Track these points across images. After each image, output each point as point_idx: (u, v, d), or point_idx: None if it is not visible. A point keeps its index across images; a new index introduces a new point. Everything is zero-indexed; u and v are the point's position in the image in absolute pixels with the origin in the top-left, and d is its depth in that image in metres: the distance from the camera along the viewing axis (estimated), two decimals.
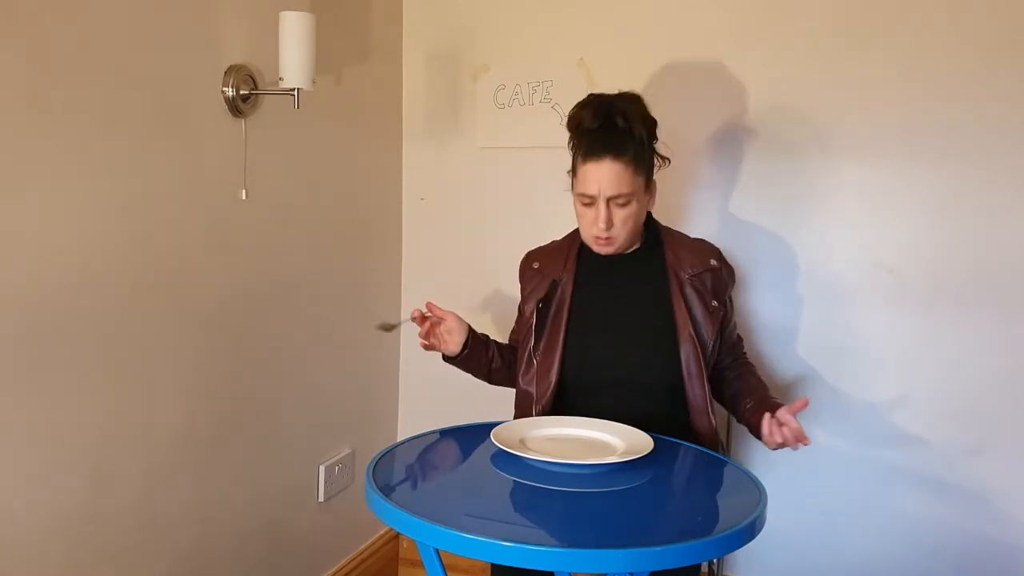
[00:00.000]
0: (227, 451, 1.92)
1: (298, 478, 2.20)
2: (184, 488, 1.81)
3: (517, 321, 1.94)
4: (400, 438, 2.15)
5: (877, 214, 2.09)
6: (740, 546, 1.27)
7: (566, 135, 1.76)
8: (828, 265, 2.14)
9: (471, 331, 1.82)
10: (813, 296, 2.16)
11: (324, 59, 1.97)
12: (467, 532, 1.19)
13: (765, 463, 2.21)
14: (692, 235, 1.89)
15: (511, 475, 1.45)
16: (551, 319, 1.80)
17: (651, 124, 1.72)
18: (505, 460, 1.48)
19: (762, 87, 2.16)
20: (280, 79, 1.81)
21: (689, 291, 1.77)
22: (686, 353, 1.73)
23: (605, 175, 1.64)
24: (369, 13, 2.35)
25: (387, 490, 1.34)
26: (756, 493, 1.39)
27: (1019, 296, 1.99)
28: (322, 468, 2.26)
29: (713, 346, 1.77)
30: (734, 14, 2.17)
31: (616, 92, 1.73)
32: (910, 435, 2.10)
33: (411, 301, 2.57)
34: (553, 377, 1.76)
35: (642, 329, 1.77)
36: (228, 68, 1.82)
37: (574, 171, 1.72)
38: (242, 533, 1.99)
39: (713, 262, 1.81)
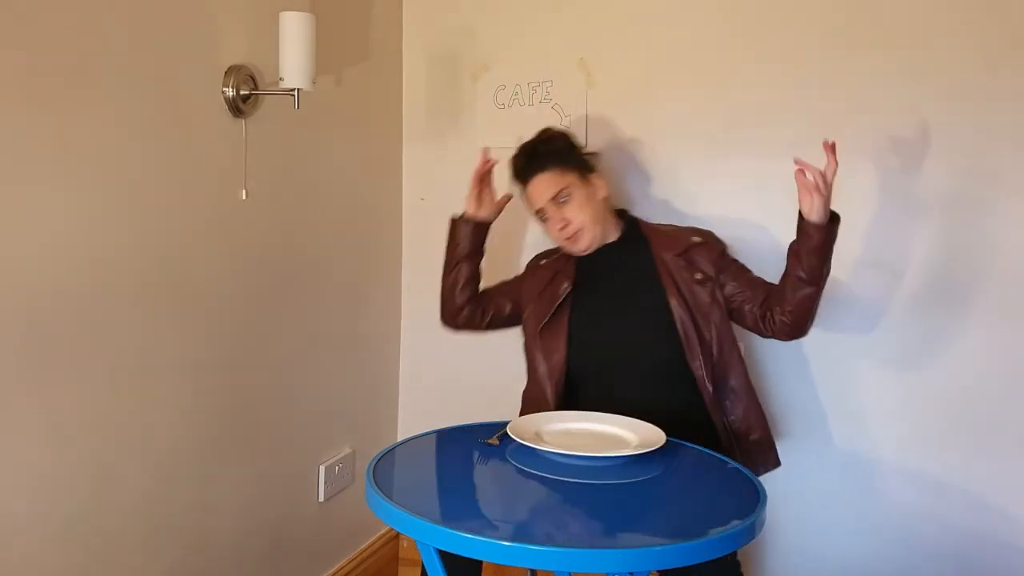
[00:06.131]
0: (228, 451, 1.92)
1: (298, 478, 2.20)
2: (185, 488, 1.81)
3: (499, 285, 2.08)
4: (400, 438, 2.15)
5: (876, 214, 2.09)
6: (740, 546, 1.27)
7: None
8: None
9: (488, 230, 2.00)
10: None
11: (324, 59, 1.97)
12: (467, 532, 1.19)
13: None
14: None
15: (522, 465, 1.45)
16: (554, 309, 1.91)
17: (566, 139, 1.97)
18: (517, 451, 1.51)
19: (762, 85, 2.15)
20: (280, 79, 1.81)
21: (675, 269, 1.87)
22: (683, 327, 1.83)
23: (537, 188, 1.89)
24: (369, 13, 2.35)
25: (387, 490, 1.34)
26: (756, 493, 1.39)
27: (1019, 296, 1.99)
28: (322, 468, 2.26)
29: (710, 314, 1.84)
30: (734, 13, 2.17)
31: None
32: (909, 435, 2.10)
33: (411, 301, 2.58)
34: (560, 356, 1.88)
35: (641, 314, 1.88)
36: (228, 68, 1.82)
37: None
38: (242, 533, 1.99)
39: (695, 239, 1.92)
